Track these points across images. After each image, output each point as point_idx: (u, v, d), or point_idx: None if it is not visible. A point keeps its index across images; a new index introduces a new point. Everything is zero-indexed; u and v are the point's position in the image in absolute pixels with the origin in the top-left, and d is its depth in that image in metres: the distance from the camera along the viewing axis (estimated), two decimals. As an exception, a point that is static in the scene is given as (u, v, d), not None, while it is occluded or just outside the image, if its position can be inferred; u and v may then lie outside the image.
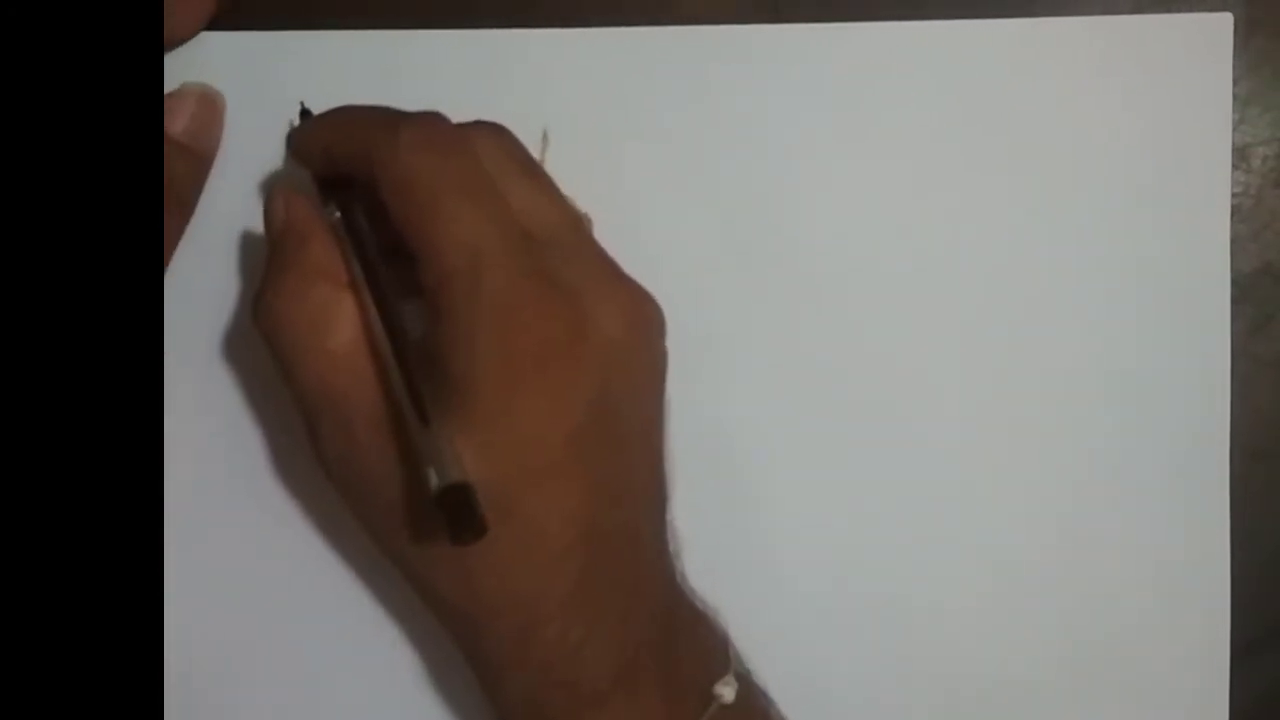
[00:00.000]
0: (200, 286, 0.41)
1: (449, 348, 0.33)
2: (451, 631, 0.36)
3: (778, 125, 0.41)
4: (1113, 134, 0.40)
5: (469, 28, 0.40)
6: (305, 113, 0.39)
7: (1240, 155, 0.40)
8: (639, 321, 0.36)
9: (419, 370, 0.34)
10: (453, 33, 0.40)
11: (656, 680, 0.35)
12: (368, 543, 0.37)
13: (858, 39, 0.40)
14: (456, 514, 0.31)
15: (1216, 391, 0.40)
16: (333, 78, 0.40)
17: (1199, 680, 0.40)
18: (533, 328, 0.33)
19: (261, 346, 0.36)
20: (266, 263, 0.36)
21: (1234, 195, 0.40)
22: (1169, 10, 0.40)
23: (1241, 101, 0.40)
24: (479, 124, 0.36)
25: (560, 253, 0.35)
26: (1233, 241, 0.40)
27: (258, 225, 0.40)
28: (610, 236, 0.37)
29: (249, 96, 0.40)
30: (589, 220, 0.38)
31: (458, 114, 0.36)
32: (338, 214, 0.36)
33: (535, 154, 0.38)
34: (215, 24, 0.40)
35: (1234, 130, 0.40)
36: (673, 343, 0.37)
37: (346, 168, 0.35)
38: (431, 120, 0.35)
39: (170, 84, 0.40)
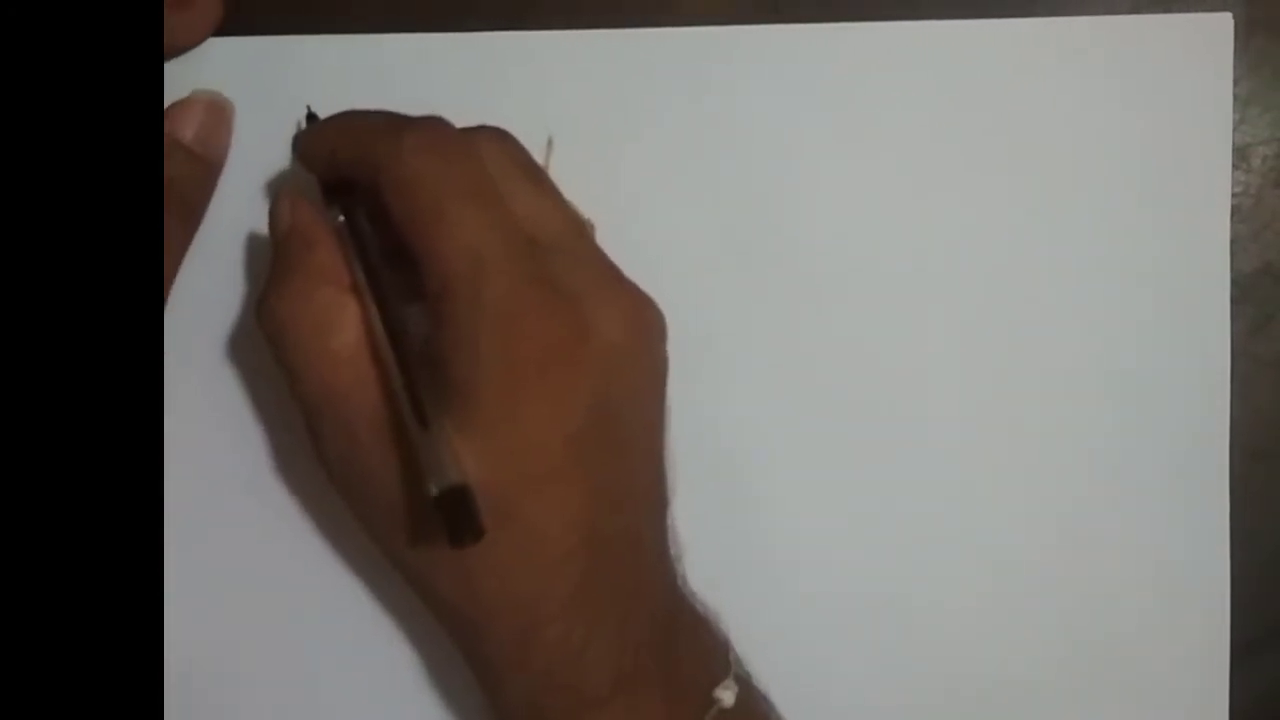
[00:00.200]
0: (204, 288, 0.41)
1: (451, 352, 0.33)
2: (452, 633, 0.36)
3: (778, 125, 0.41)
4: (1113, 134, 0.40)
5: (468, 30, 0.40)
6: (311, 116, 0.39)
7: (1240, 155, 0.40)
8: (640, 326, 0.36)
9: (421, 374, 0.34)
10: (452, 36, 0.40)
11: (657, 683, 0.35)
12: (368, 544, 0.37)
13: (858, 39, 0.40)
14: (455, 517, 0.31)
15: (1216, 391, 0.40)
16: (335, 81, 0.40)
17: (1199, 680, 0.40)
18: (535, 333, 0.33)
19: (264, 348, 0.36)
20: (271, 265, 0.36)
21: (1234, 195, 0.40)
22: (1169, 10, 0.40)
23: (1242, 101, 0.40)
24: (482, 129, 0.36)
25: (563, 258, 0.35)
26: (1233, 241, 0.40)
27: (261, 227, 0.40)
28: (610, 237, 0.38)
29: (252, 100, 0.41)
30: (591, 225, 0.38)
31: (458, 117, 0.36)
32: (341, 217, 0.36)
33: (539, 159, 0.38)
34: (219, 29, 0.41)
35: (1234, 130, 0.40)
36: (673, 343, 0.37)
37: (351, 172, 0.36)
38: (435, 125, 0.35)
39: (176, 89, 0.40)
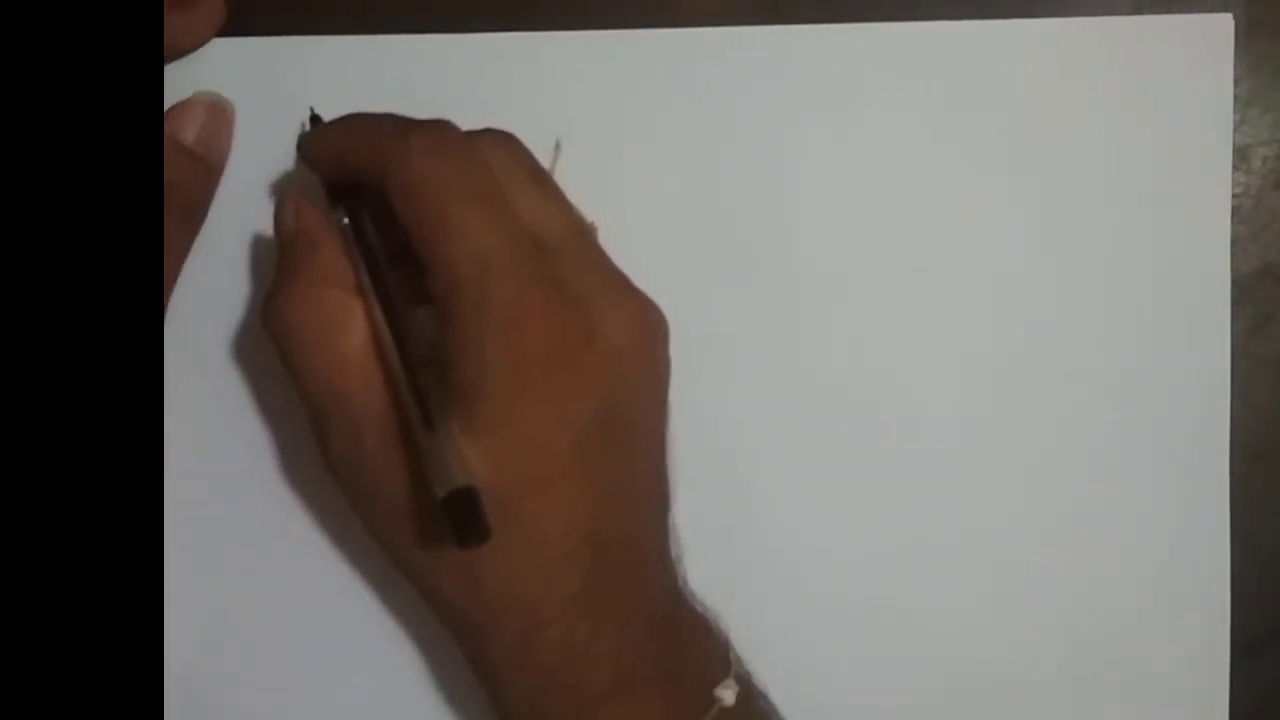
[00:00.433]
0: (207, 289, 0.41)
1: (457, 354, 0.34)
2: (455, 634, 0.36)
3: (778, 126, 0.41)
4: (1113, 135, 0.40)
5: (468, 31, 0.40)
6: (315, 118, 0.39)
7: (1241, 156, 0.40)
8: (645, 329, 0.36)
9: (426, 375, 0.34)
10: (452, 37, 0.40)
11: (658, 682, 0.35)
12: (370, 545, 0.37)
13: (858, 39, 0.40)
14: (462, 518, 0.31)
15: (1216, 391, 0.40)
16: (336, 82, 0.40)
17: (1199, 680, 0.40)
18: (541, 335, 0.34)
19: (268, 349, 0.36)
20: (276, 267, 0.36)
21: (1234, 196, 0.40)
22: (1169, 11, 0.40)
23: (1242, 102, 0.40)
24: (488, 132, 0.36)
25: (568, 261, 0.35)
26: (1233, 242, 0.40)
27: (264, 228, 0.40)
28: (609, 237, 0.38)
29: (253, 101, 0.41)
30: (594, 228, 0.38)
31: (458, 117, 0.36)
32: (346, 219, 0.36)
33: (545, 162, 0.38)
34: (220, 30, 0.41)
35: (1234, 131, 0.40)
36: (673, 344, 0.37)
37: (357, 174, 0.36)
38: (442, 128, 0.35)
39: (177, 90, 0.40)
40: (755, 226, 0.41)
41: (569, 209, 0.37)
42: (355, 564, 0.41)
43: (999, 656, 0.41)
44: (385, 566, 0.37)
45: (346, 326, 0.35)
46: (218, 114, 0.40)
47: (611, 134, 0.41)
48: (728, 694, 0.36)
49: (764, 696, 0.38)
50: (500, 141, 0.36)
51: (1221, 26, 0.40)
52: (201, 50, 0.41)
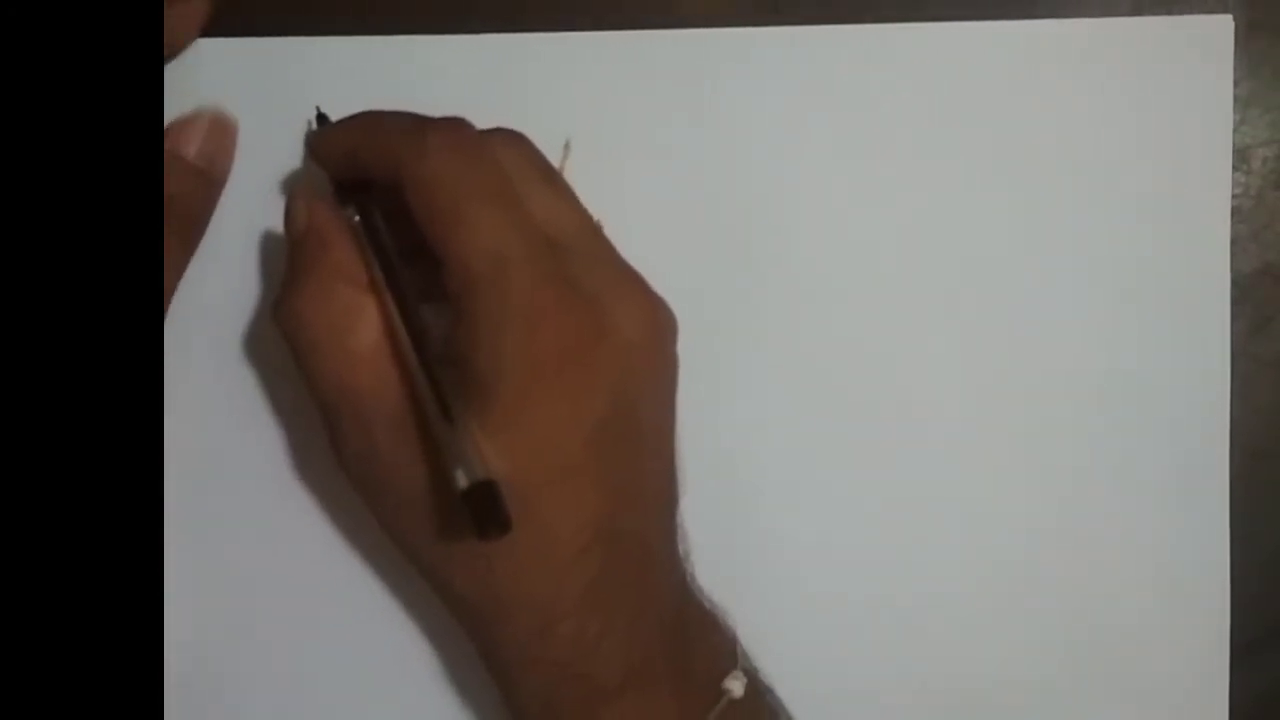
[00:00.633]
0: (211, 287, 0.41)
1: (472, 350, 0.34)
2: (467, 629, 0.37)
3: (778, 126, 0.41)
4: (1113, 136, 0.40)
5: (468, 32, 0.40)
6: (322, 117, 0.39)
7: (1240, 157, 0.40)
8: (656, 326, 0.36)
9: (440, 371, 0.34)
10: (452, 37, 0.41)
11: (668, 677, 0.35)
12: (378, 543, 0.37)
13: (858, 40, 0.40)
14: (483, 510, 0.31)
15: (1216, 391, 0.40)
16: (337, 83, 0.40)
17: (1199, 680, 0.40)
18: (556, 331, 0.34)
19: (276, 347, 0.36)
20: (287, 265, 0.36)
21: (1234, 196, 0.40)
22: (1169, 12, 0.40)
23: (1242, 103, 0.40)
24: (498, 131, 0.37)
25: (581, 258, 0.35)
26: (1233, 242, 0.40)
27: (264, 227, 0.40)
28: (611, 237, 0.38)
29: (254, 102, 0.41)
30: (599, 225, 0.38)
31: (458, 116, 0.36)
32: (356, 216, 0.36)
33: (555, 162, 0.38)
34: (220, 29, 0.40)
35: (1234, 131, 0.40)
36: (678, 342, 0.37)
37: (369, 171, 0.36)
38: (457, 126, 0.36)
39: (178, 91, 0.40)
40: (756, 226, 0.41)
41: (579, 206, 0.37)
42: (362, 562, 0.41)
43: (999, 656, 0.41)
44: (393, 565, 0.37)
45: (359, 323, 0.35)
46: (220, 128, 0.40)
47: (610, 135, 0.41)
48: (737, 685, 0.36)
49: (770, 691, 0.38)
50: (511, 141, 0.36)
51: (1221, 27, 0.40)
52: (202, 50, 0.41)
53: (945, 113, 0.41)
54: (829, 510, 0.41)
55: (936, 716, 0.41)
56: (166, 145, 0.39)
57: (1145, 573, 0.40)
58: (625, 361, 0.35)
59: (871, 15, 0.40)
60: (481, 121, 0.37)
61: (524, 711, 0.36)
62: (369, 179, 0.36)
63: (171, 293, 0.40)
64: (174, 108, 0.40)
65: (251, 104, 0.41)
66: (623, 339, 0.35)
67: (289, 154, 0.40)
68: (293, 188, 0.40)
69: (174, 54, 0.40)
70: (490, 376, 0.33)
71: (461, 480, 0.32)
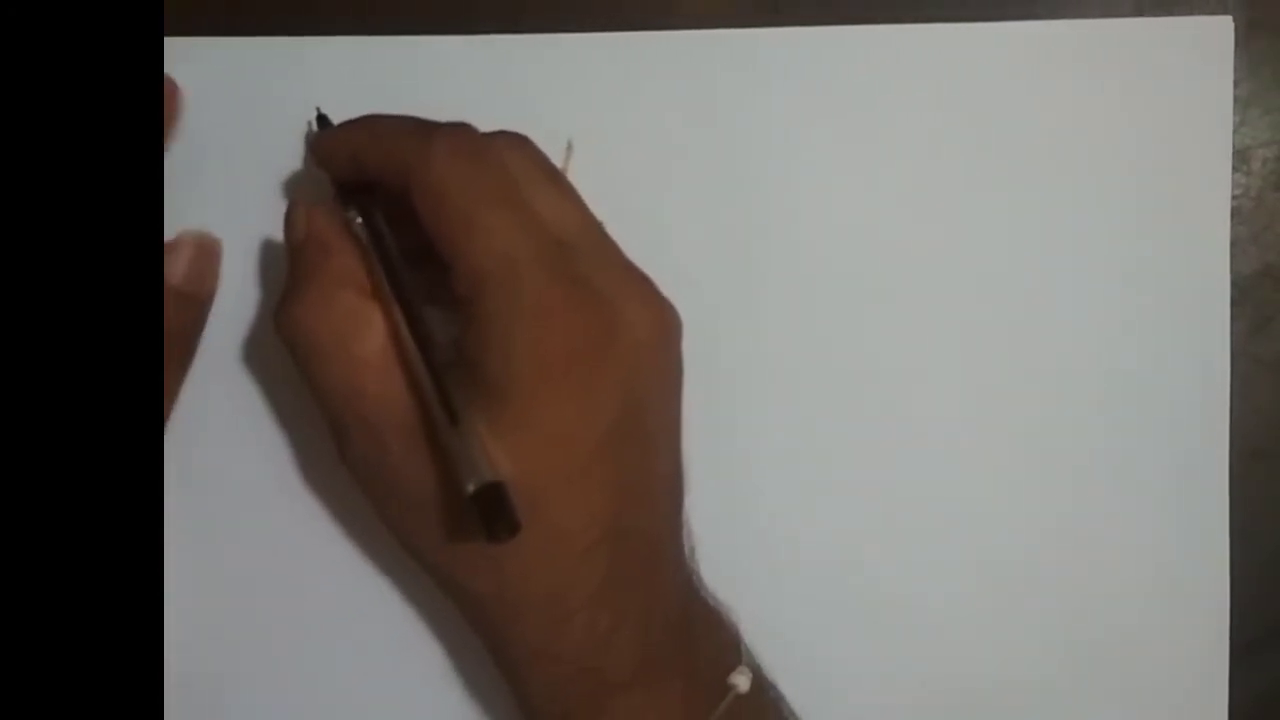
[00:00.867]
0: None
1: (483, 352, 0.34)
2: (477, 628, 0.37)
3: (778, 127, 0.41)
4: (1113, 136, 0.40)
5: (468, 32, 0.40)
6: (322, 118, 0.39)
7: (1240, 157, 0.40)
8: (663, 326, 0.36)
9: (447, 374, 0.34)
10: (451, 38, 0.41)
11: (676, 671, 0.36)
12: (381, 546, 0.37)
13: (858, 41, 0.41)
14: (491, 512, 0.31)
15: (1216, 392, 0.40)
16: (336, 83, 0.40)
17: (1199, 680, 0.40)
18: (565, 332, 0.34)
19: (278, 354, 0.36)
20: (288, 273, 0.36)
21: (1234, 197, 0.40)
22: (1169, 13, 0.40)
23: (1242, 104, 0.40)
24: (502, 134, 0.37)
25: (588, 259, 0.35)
26: (1233, 243, 0.40)
27: (263, 228, 0.40)
28: (613, 238, 0.38)
29: (254, 102, 0.40)
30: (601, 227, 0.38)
31: (458, 118, 0.36)
32: (359, 219, 0.36)
33: (558, 163, 0.38)
34: (220, 29, 0.40)
35: (1234, 132, 0.40)
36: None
37: (373, 175, 0.36)
38: (463, 130, 0.36)
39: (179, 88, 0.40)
40: (756, 227, 0.41)
41: (584, 208, 0.37)
42: (362, 563, 0.41)
43: (999, 656, 0.41)
44: (393, 565, 0.37)
45: (363, 329, 0.35)
46: (204, 251, 0.40)
47: (611, 136, 0.41)
48: (743, 680, 0.36)
49: (773, 687, 0.38)
50: (516, 144, 0.36)
51: (1221, 28, 0.40)
52: (202, 50, 0.41)
53: (944, 113, 0.41)
54: (830, 509, 0.41)
55: (936, 716, 0.41)
56: None
57: (1145, 573, 0.40)
58: (635, 361, 0.35)
59: (872, 16, 0.40)
60: (483, 122, 0.37)
61: (534, 706, 0.36)
62: (372, 182, 0.36)
63: (169, 413, 0.39)
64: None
65: (249, 104, 0.41)
66: (632, 339, 0.35)
67: (289, 155, 0.40)
68: (288, 192, 0.40)
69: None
70: (501, 378, 0.34)
71: (470, 483, 0.32)
